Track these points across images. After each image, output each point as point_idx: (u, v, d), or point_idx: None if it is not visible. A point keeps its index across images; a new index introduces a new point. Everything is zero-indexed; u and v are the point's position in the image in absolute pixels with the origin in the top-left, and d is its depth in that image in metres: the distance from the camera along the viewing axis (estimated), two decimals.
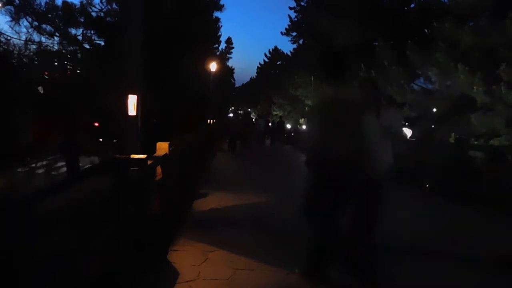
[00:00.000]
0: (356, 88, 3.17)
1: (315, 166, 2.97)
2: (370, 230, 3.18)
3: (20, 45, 9.14)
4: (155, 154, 4.45)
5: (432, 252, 3.96)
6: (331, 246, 2.95)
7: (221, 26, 28.70)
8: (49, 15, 9.92)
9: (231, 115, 40.12)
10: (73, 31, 10.47)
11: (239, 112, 49.49)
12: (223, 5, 18.52)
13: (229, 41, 47.00)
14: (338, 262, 2.98)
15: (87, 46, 10.85)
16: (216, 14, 20.72)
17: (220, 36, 32.20)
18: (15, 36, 9.15)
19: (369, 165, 2.77)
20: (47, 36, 9.87)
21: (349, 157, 2.72)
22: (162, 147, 4.68)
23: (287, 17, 31.02)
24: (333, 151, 2.77)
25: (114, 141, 8.59)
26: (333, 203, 2.84)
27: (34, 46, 9.58)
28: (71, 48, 10.75)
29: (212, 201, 6.08)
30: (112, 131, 7.78)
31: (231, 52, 47.40)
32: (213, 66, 19.74)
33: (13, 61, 8.93)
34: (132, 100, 4.87)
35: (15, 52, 8.98)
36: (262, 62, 53.22)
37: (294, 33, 30.33)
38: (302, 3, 27.48)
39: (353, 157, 2.72)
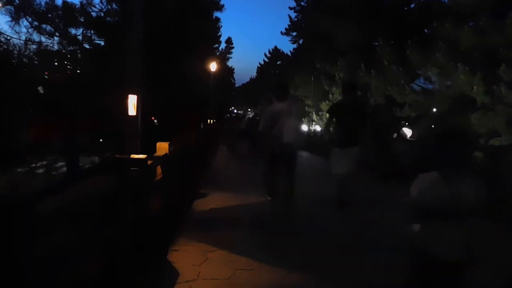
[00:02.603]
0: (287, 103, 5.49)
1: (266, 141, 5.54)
2: (291, 175, 5.50)
3: (20, 45, 9.14)
4: (155, 154, 4.45)
5: None
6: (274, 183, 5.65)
7: (221, 26, 28.76)
8: (49, 15, 9.91)
9: (228, 115, 40.13)
10: (73, 31, 10.48)
11: (239, 112, 49.51)
12: (223, 5, 18.59)
13: (229, 41, 47.02)
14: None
15: (87, 46, 10.85)
16: (216, 14, 20.79)
17: (220, 36, 32.22)
18: (15, 36, 9.15)
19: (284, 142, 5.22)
20: (47, 36, 9.87)
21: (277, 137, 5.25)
22: (162, 147, 4.68)
23: (287, 17, 31.07)
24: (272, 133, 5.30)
25: (101, 140, 8.59)
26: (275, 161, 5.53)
27: (34, 46, 9.58)
28: (71, 48, 10.74)
29: (212, 201, 6.08)
30: (110, 130, 7.79)
31: (231, 52, 47.42)
32: (213, 66, 19.74)
33: (13, 61, 8.93)
34: (132, 100, 4.86)
35: (15, 52, 8.98)
36: (262, 62, 53.27)
37: (294, 33, 30.33)
38: (302, 3, 27.50)
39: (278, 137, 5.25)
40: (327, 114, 5.75)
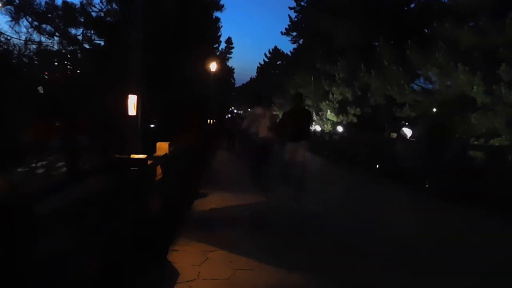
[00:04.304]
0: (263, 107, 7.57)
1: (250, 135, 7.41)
2: (269, 162, 7.37)
3: (20, 45, 9.12)
4: (155, 154, 4.45)
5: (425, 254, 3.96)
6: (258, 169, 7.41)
7: (221, 26, 28.75)
8: (49, 15, 9.90)
9: (228, 115, 40.15)
10: (73, 31, 10.45)
11: (238, 112, 49.53)
12: (223, 5, 18.55)
13: (229, 41, 46.99)
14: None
15: (87, 46, 10.83)
16: (216, 14, 20.75)
17: (220, 36, 32.22)
18: (15, 36, 9.13)
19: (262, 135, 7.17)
20: (47, 36, 9.84)
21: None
22: (162, 147, 4.68)
23: (287, 17, 31.03)
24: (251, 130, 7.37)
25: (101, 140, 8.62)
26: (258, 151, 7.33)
27: (34, 46, 9.55)
28: (71, 48, 10.72)
29: (212, 201, 6.07)
30: (110, 130, 7.79)
31: (231, 52, 47.38)
32: (213, 66, 19.73)
33: (13, 61, 8.92)
34: (132, 100, 4.86)
35: (15, 52, 8.96)
36: (262, 62, 53.26)
37: (294, 33, 30.32)
38: (302, 3, 27.49)
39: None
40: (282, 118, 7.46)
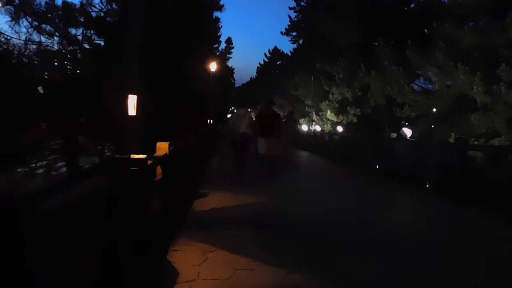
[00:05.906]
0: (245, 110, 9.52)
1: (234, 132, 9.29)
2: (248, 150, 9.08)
3: (20, 45, 9.11)
4: (155, 154, 4.45)
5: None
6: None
7: (221, 26, 28.79)
8: (49, 15, 9.88)
9: (229, 115, 40.15)
10: (73, 31, 10.43)
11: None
12: (223, 5, 18.57)
13: (229, 41, 46.93)
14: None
15: (87, 46, 10.82)
16: (216, 14, 20.78)
17: (220, 36, 32.23)
18: (15, 36, 9.12)
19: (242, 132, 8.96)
20: (47, 36, 9.82)
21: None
22: (162, 147, 4.68)
23: (287, 17, 31.01)
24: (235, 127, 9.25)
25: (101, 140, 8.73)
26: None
27: (34, 46, 9.53)
28: (71, 48, 10.71)
29: (212, 201, 6.08)
30: (110, 130, 7.80)
31: (231, 52, 47.31)
32: (213, 66, 19.73)
33: (13, 61, 8.91)
34: (132, 100, 4.86)
35: (15, 52, 8.95)
36: (262, 62, 53.24)
37: (294, 33, 30.34)
38: (302, 3, 27.53)
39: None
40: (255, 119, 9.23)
